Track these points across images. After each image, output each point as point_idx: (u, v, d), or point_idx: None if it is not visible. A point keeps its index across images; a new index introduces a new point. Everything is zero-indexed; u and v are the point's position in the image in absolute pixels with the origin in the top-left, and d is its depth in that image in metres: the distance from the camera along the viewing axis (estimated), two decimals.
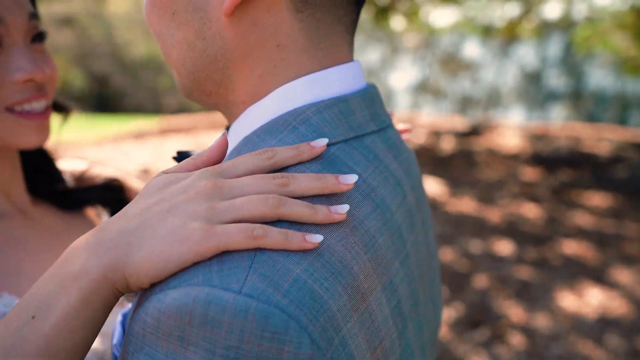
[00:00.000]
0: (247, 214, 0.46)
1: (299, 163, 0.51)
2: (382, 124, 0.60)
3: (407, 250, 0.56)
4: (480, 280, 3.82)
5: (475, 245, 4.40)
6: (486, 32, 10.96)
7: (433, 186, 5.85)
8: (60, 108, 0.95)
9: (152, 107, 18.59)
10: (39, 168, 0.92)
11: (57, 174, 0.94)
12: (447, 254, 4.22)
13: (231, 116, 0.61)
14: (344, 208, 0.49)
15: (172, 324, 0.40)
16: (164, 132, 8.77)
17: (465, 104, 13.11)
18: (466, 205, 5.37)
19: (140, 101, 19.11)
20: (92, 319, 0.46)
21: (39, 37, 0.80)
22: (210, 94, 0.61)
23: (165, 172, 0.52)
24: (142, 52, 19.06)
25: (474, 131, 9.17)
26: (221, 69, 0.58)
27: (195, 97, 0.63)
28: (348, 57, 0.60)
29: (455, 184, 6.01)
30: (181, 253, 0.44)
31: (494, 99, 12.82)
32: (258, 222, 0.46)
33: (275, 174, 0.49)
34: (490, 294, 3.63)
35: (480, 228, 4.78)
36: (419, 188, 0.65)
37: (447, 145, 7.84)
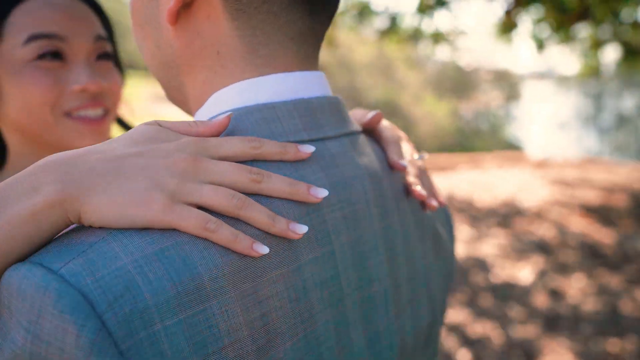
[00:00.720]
0: (210, 203, 0.48)
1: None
2: (320, 134, 0.58)
3: (300, 264, 0.52)
4: None
5: None
6: None
7: None
8: (125, 125, 1.09)
9: None
10: None
11: None
12: None
13: None
14: (303, 229, 0.50)
15: (5, 294, 0.44)
16: None
17: None
18: None
19: None
20: (34, 236, 0.47)
21: (104, 55, 0.96)
22: (179, 101, 0.65)
23: (159, 124, 0.53)
24: (379, 96, 20.26)
25: None
26: (175, 76, 0.62)
27: (175, 103, 0.67)
28: (294, 67, 0.59)
29: None
30: (136, 215, 0.46)
31: None
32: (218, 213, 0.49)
33: (253, 168, 0.51)
34: None
35: None
36: (360, 205, 0.59)
37: None
